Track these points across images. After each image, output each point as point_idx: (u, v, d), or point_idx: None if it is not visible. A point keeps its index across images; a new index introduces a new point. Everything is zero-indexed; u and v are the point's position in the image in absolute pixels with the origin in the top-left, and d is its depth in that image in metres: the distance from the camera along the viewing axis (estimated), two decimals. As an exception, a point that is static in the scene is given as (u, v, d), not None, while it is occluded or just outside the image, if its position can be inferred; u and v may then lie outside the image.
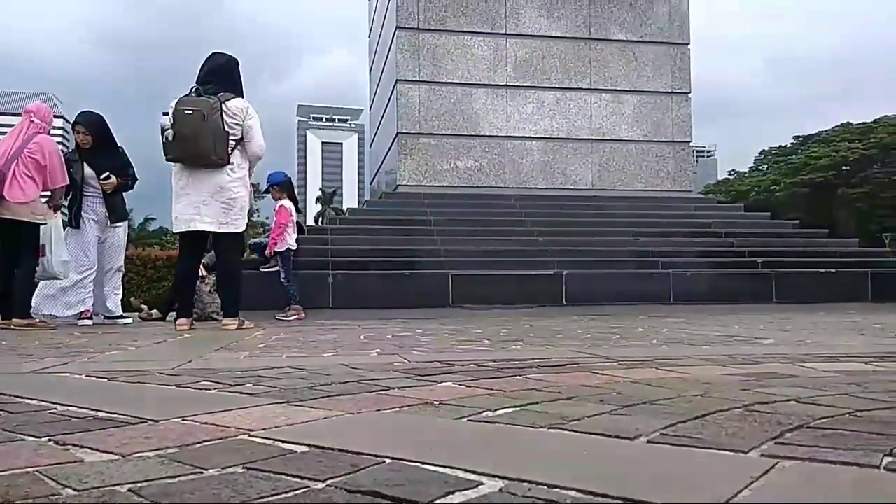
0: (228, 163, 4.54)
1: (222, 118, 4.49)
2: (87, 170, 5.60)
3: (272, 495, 0.86)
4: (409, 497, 0.84)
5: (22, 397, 1.64)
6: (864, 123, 41.25)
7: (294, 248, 6.53)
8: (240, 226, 4.71)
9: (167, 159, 4.60)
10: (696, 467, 0.99)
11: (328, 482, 0.91)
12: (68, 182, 5.22)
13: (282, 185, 6.57)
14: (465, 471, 0.94)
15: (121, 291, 5.90)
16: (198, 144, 4.44)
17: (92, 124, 5.69)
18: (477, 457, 1.03)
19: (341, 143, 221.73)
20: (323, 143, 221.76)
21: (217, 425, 1.28)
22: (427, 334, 3.98)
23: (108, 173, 5.58)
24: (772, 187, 42.09)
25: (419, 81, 10.39)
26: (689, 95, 11.22)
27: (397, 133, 10.35)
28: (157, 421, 1.32)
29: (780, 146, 48.59)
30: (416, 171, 10.29)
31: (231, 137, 4.54)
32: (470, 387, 1.76)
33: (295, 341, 3.56)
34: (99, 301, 5.66)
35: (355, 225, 9.57)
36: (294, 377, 2.01)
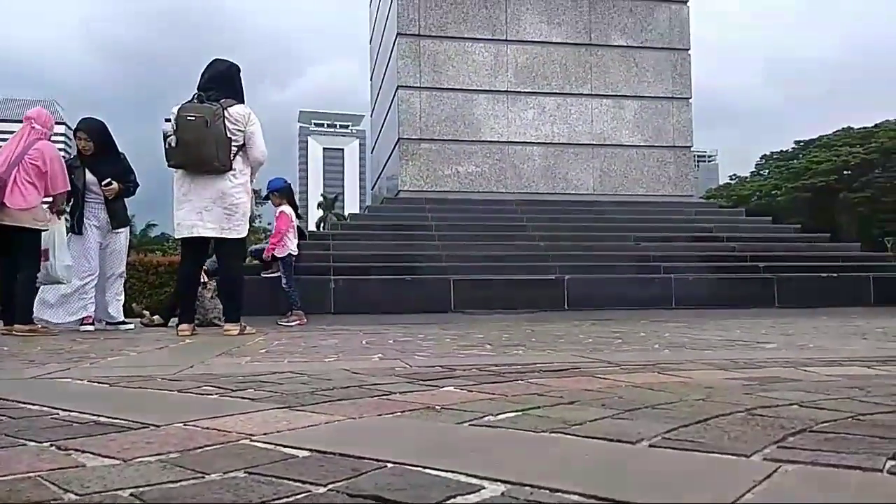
0: (230, 169, 4.56)
1: (225, 124, 4.50)
2: (89, 176, 5.61)
3: (274, 499, 0.85)
4: (411, 501, 0.84)
5: (24, 402, 1.64)
6: (864, 128, 41.25)
7: (296, 253, 6.54)
8: (241, 232, 4.72)
9: (169, 165, 4.61)
10: (698, 471, 0.99)
11: (330, 486, 0.90)
12: (69, 188, 5.23)
13: (281, 192, 6.59)
14: (467, 475, 0.94)
15: (122, 297, 5.91)
16: (201, 151, 4.45)
17: (93, 131, 5.70)
18: (479, 461, 1.03)
19: (343, 149, 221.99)
20: (324, 148, 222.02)
21: (219, 430, 1.28)
22: (428, 339, 3.98)
23: (109, 179, 5.58)
24: (773, 192, 42.07)
25: (420, 87, 10.42)
26: (690, 100, 11.23)
27: (399, 139, 10.37)
28: (158, 426, 1.32)
29: (782, 151, 48.58)
30: (418, 176, 10.30)
31: (233, 144, 4.56)
32: (471, 391, 1.76)
33: (296, 346, 3.56)
34: (101, 307, 5.66)
35: (357, 230, 9.58)
36: (296, 382, 2.01)
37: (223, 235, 4.62)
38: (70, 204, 5.54)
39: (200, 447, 1.14)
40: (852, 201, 36.96)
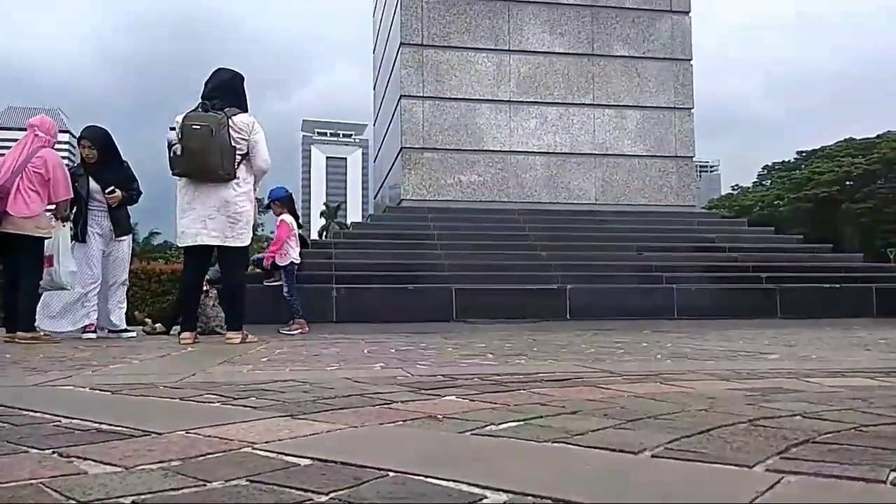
0: (234, 177, 4.57)
1: (229, 133, 4.52)
2: (93, 184, 5.63)
3: (276, 508, 0.85)
4: (413, 510, 0.84)
5: (26, 410, 1.64)
6: (867, 139, 41.32)
7: (298, 261, 6.55)
8: (245, 240, 4.73)
9: (174, 174, 4.63)
10: (701, 481, 0.98)
11: (332, 495, 0.90)
12: (72, 195, 5.24)
13: (282, 201, 6.63)
14: (469, 484, 0.94)
15: (125, 305, 5.91)
16: (206, 159, 4.47)
17: (97, 138, 5.72)
18: (481, 471, 1.03)
19: (345, 158, 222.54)
20: (327, 157, 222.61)
21: (220, 438, 1.28)
22: (430, 348, 3.98)
23: (112, 187, 5.60)
24: (775, 202, 42.10)
25: (423, 97, 10.45)
26: (692, 111, 11.25)
27: (401, 148, 10.39)
28: (160, 434, 1.32)
29: (784, 161, 48.66)
30: (420, 185, 10.31)
31: (237, 152, 4.57)
32: (473, 401, 1.76)
33: (298, 355, 3.55)
34: (103, 315, 5.67)
35: (359, 239, 9.58)
36: (297, 391, 2.01)
37: (226, 244, 4.63)
38: (73, 212, 5.55)
39: (202, 455, 1.14)
40: (854, 212, 36.96)
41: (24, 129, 5.24)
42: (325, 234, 48.51)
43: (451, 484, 0.95)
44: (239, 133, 4.58)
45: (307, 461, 1.09)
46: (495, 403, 1.70)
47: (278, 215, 6.59)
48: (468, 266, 8.07)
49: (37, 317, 5.35)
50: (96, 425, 1.43)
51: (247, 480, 0.98)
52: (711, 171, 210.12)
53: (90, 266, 5.53)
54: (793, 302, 7.79)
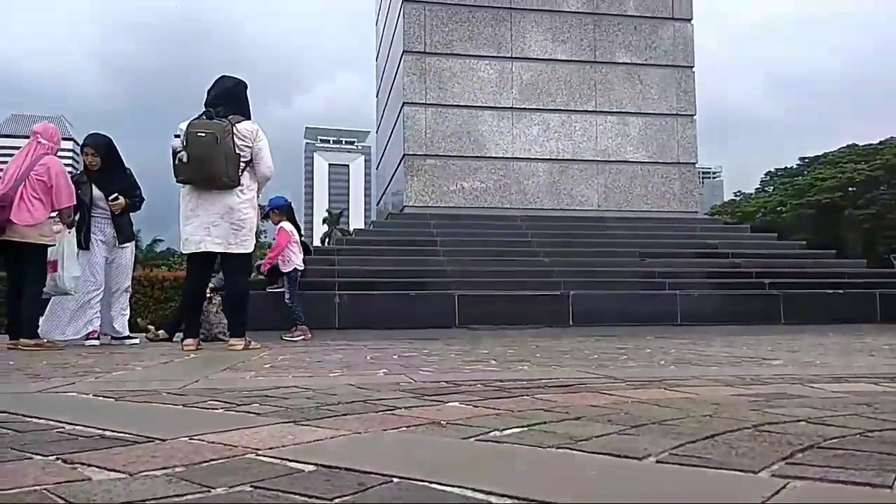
0: (238, 184, 4.58)
1: (233, 141, 4.54)
2: (96, 191, 5.64)
3: (280, 514, 0.85)
4: (418, 516, 0.83)
5: (29, 416, 1.64)
6: (869, 145, 41.29)
7: (301, 268, 6.57)
8: (248, 247, 4.74)
9: (178, 181, 4.64)
10: (706, 487, 0.98)
11: (336, 501, 0.90)
12: (75, 202, 5.24)
13: (281, 209, 6.70)
14: (474, 490, 0.94)
15: (128, 312, 5.92)
16: (212, 167, 4.48)
17: (100, 146, 5.74)
18: (485, 476, 1.03)
19: (348, 165, 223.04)
20: (330, 164, 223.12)
21: (224, 444, 1.27)
22: (433, 354, 3.97)
23: (116, 194, 5.62)
24: (778, 208, 42.05)
25: (426, 104, 10.47)
26: (694, 117, 11.26)
27: (404, 155, 10.41)
28: (164, 440, 1.32)
29: (786, 167, 48.63)
30: (423, 192, 10.33)
31: (241, 159, 4.59)
32: (477, 407, 1.75)
33: (301, 361, 3.55)
34: (106, 321, 5.67)
35: (362, 246, 9.59)
36: (300, 397, 2.00)
37: (230, 251, 4.64)
38: (77, 219, 5.56)
39: (206, 461, 1.14)
40: (857, 218, 36.89)
41: (28, 137, 5.26)
42: (327, 240, 48.54)
43: (455, 489, 0.94)
44: (243, 140, 4.60)
45: (311, 467, 1.09)
46: (499, 409, 1.70)
47: (277, 223, 6.64)
48: (471, 272, 8.07)
49: (46, 326, 5.37)
50: (100, 432, 1.43)
51: (251, 486, 0.98)
52: (714, 178, 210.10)
53: (93, 273, 5.54)
54: (796, 308, 7.77)
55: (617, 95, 10.96)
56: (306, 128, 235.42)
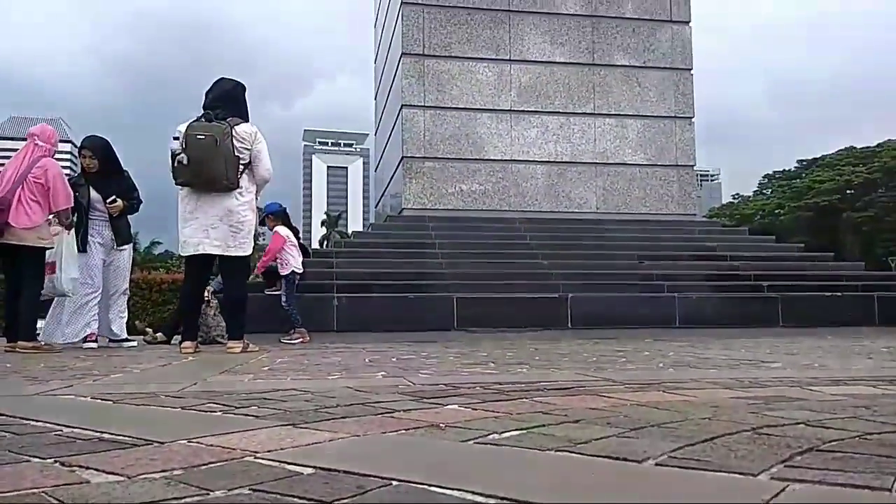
0: (238, 187, 4.58)
1: (233, 143, 4.53)
2: (93, 193, 5.64)
3: (279, 517, 0.85)
4: (417, 519, 0.83)
5: (27, 419, 1.64)
6: (867, 147, 41.37)
7: (300, 271, 6.58)
8: (247, 249, 4.73)
9: (177, 183, 4.64)
10: (705, 490, 0.98)
11: (335, 504, 0.90)
12: (72, 204, 5.23)
13: (276, 215, 6.76)
14: (473, 493, 0.93)
15: (126, 315, 5.91)
16: (211, 169, 4.48)
17: (98, 148, 5.74)
18: (484, 479, 1.03)
19: (346, 168, 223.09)
20: (328, 167, 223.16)
21: (223, 447, 1.27)
22: (432, 357, 3.97)
23: (114, 196, 5.61)
24: (776, 211, 42.12)
25: (424, 106, 10.48)
26: (693, 120, 11.28)
27: (402, 157, 10.42)
28: (162, 443, 1.32)
29: (784, 170, 48.72)
30: (421, 194, 10.33)
31: (240, 162, 4.59)
32: (476, 409, 1.75)
33: (299, 364, 3.55)
34: (104, 324, 5.67)
35: (360, 248, 9.58)
36: (299, 400, 2.00)
37: (229, 253, 4.63)
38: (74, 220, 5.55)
39: (205, 464, 1.14)
40: (855, 221, 36.95)
41: (26, 139, 5.24)
42: (326, 243, 48.50)
43: (454, 492, 0.94)
44: (242, 143, 4.60)
45: (310, 470, 1.09)
46: (497, 412, 1.70)
47: (272, 229, 6.68)
48: (469, 275, 8.07)
49: (48, 329, 5.36)
50: (98, 434, 1.42)
51: (249, 489, 0.97)
52: (712, 180, 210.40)
53: (91, 276, 5.53)
54: (794, 311, 7.78)
55: (615, 98, 10.98)
56: (305, 130, 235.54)
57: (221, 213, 4.57)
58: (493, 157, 10.58)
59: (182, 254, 4.88)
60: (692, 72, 11.30)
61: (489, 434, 1.40)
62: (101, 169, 5.68)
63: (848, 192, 38.93)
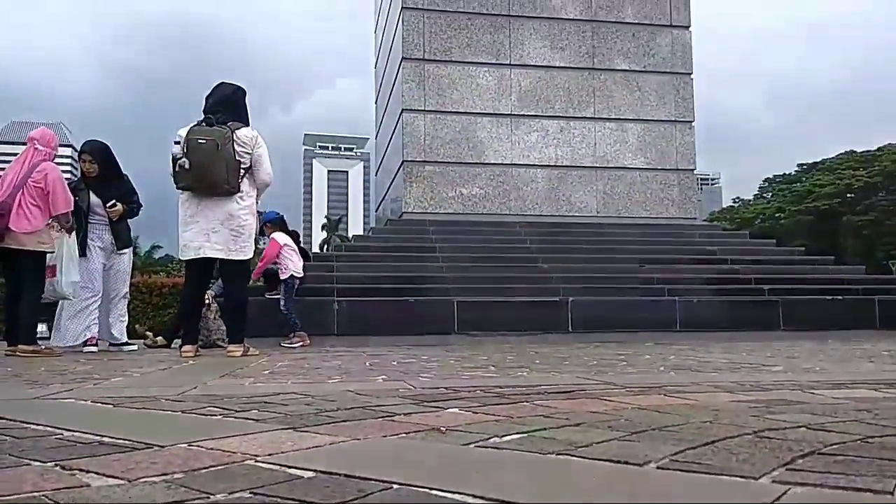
0: (238, 191, 4.59)
1: (233, 147, 4.54)
2: (93, 198, 5.64)
3: (279, 520, 0.85)
4: (418, 522, 0.83)
5: (27, 423, 1.64)
6: (867, 151, 41.39)
7: (300, 275, 6.59)
8: (247, 253, 4.74)
9: (178, 187, 4.65)
10: (706, 493, 0.98)
11: (335, 507, 0.90)
12: (72, 208, 5.22)
13: (273, 222, 6.81)
14: (474, 496, 0.93)
15: (126, 318, 5.91)
16: (212, 173, 4.49)
17: (97, 153, 5.74)
18: (485, 483, 1.02)
19: (347, 172, 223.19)
20: (329, 171, 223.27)
21: (223, 451, 1.27)
22: (432, 361, 3.97)
23: (113, 200, 5.62)
24: (777, 215, 42.09)
25: (424, 111, 10.49)
26: (693, 124, 11.29)
27: (403, 161, 10.43)
28: (162, 446, 1.32)
29: (785, 174, 48.71)
30: (422, 198, 10.33)
31: (241, 166, 4.59)
32: (476, 413, 1.75)
33: (300, 368, 3.55)
34: (104, 328, 5.67)
35: (360, 252, 9.59)
36: (299, 403, 2.00)
37: (230, 257, 4.64)
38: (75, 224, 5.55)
39: (205, 467, 1.14)
40: (856, 224, 36.94)
41: (26, 144, 5.24)
42: (326, 247, 48.51)
43: (455, 496, 0.94)
44: (243, 147, 4.61)
45: (310, 473, 1.08)
46: (498, 416, 1.70)
47: (269, 236, 6.70)
48: (470, 279, 8.07)
49: (57, 336, 5.37)
50: (98, 438, 1.42)
51: (250, 493, 0.97)
52: (712, 184, 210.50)
53: (91, 280, 5.54)
54: (795, 314, 7.78)
55: (615, 102, 10.99)
56: (305, 134, 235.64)
57: (222, 217, 4.58)
58: (494, 161, 10.59)
59: (182, 258, 4.88)
60: (692, 76, 11.32)
61: (490, 437, 1.40)
62: (101, 173, 5.68)
63: (848, 195, 38.93)
